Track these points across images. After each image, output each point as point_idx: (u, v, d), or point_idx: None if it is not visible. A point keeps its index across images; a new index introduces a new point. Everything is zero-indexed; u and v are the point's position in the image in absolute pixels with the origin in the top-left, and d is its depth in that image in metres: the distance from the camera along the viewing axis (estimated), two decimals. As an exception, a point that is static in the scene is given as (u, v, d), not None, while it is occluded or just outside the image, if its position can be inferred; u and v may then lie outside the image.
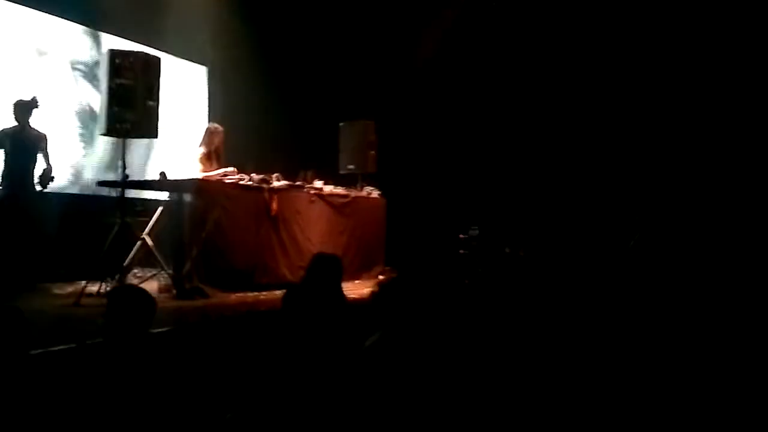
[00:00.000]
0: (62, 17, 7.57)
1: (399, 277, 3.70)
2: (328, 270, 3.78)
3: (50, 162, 6.35)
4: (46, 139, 6.38)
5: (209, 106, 9.84)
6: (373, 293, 3.08)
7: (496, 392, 2.82)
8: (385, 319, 2.88)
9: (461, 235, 8.69)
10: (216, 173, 6.67)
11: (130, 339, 2.77)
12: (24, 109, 6.25)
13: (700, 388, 2.85)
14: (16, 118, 6.24)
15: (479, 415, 2.65)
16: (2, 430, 2.32)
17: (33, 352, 3.00)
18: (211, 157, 6.92)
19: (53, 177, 6.31)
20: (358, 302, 4.66)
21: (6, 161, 6.18)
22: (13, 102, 6.27)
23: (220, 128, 7.14)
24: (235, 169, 6.72)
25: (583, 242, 8.27)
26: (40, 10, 7.32)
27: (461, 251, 8.62)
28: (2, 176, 6.16)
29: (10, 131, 6.23)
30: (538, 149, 9.36)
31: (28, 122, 6.29)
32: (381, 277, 7.98)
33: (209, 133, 7.07)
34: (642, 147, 8.61)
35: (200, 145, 7.01)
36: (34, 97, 6.31)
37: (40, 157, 6.32)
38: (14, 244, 6.05)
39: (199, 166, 6.84)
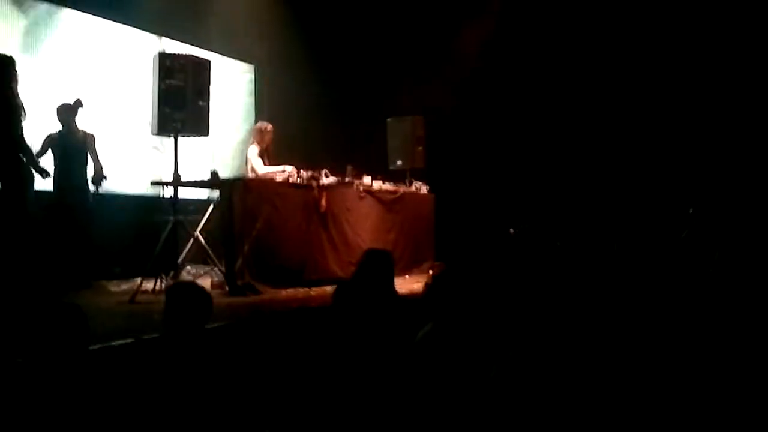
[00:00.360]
0: (113, 20, 7.71)
1: (451, 269, 3.66)
2: (380, 266, 3.77)
3: (100, 161, 6.43)
4: (94, 139, 6.45)
5: (257, 104, 9.93)
6: (427, 285, 3.06)
7: (547, 384, 2.78)
8: (439, 310, 2.87)
9: (511, 230, 8.61)
10: (274, 170, 6.75)
11: (187, 334, 2.80)
12: (68, 111, 6.31)
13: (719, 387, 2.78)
14: (61, 121, 6.30)
15: (529, 406, 2.61)
16: (63, 425, 2.37)
17: (92, 347, 3.05)
18: (262, 155, 7.00)
19: (106, 176, 6.41)
20: (409, 298, 4.63)
21: (56, 165, 6.24)
22: (57, 106, 6.33)
23: (270, 126, 7.21)
24: (294, 168, 6.80)
25: (629, 234, 8.14)
26: (89, 13, 7.48)
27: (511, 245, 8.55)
28: (54, 180, 6.20)
29: (56, 135, 6.31)
30: (585, 143, 9.22)
31: (75, 124, 6.36)
32: (431, 272, 7.95)
33: (259, 132, 7.15)
34: (689, 140, 8.46)
35: (252, 144, 7.10)
36: (78, 99, 6.38)
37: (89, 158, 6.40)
38: (69, 244, 6.18)
39: (252, 165, 6.92)
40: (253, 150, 7.02)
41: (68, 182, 6.33)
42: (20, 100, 5.44)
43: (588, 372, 2.85)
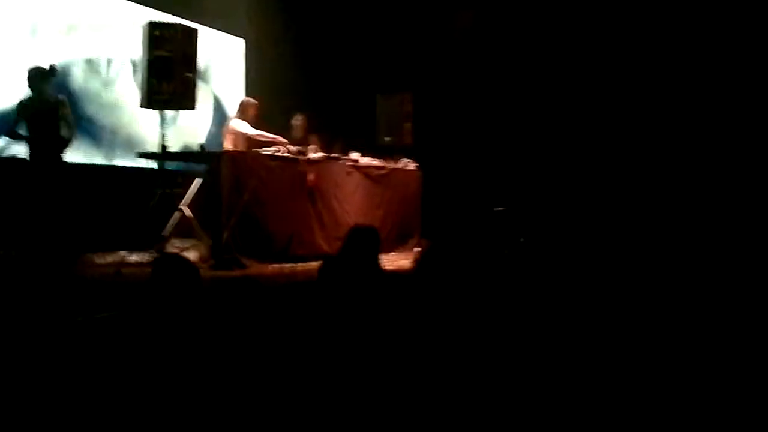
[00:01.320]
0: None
1: (438, 246, 3.68)
2: (366, 242, 3.78)
3: (70, 129, 6.14)
4: (66, 104, 6.18)
5: (246, 78, 9.86)
6: (415, 261, 3.07)
7: (534, 363, 2.81)
8: (429, 286, 2.88)
9: (497, 208, 8.62)
10: (266, 134, 6.78)
11: (175, 307, 2.81)
12: (39, 77, 5.99)
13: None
14: (31, 87, 5.98)
15: (518, 384, 2.64)
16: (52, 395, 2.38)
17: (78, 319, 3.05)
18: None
19: (69, 142, 6.13)
20: (396, 274, 4.66)
21: (29, 132, 6.00)
22: (28, 69, 6.01)
23: (253, 101, 7.17)
24: (287, 142, 6.81)
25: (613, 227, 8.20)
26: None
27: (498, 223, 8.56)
28: (28, 148, 6.00)
29: (27, 101, 6.01)
30: (575, 121, 9.22)
31: (47, 90, 6.04)
32: (417, 249, 7.98)
33: (243, 106, 7.11)
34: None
35: (234, 117, 7.07)
36: (52, 66, 6.12)
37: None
38: (48, 215, 6.07)
39: (242, 132, 6.86)
40: (237, 122, 6.98)
41: (39, 150, 6.03)
42: None
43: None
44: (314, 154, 6.91)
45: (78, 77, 7.31)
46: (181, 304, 2.84)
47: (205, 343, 2.80)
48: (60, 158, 6.12)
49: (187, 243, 6.36)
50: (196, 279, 2.93)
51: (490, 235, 8.13)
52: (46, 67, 6.13)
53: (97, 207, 6.60)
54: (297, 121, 7.50)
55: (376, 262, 3.78)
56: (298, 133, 7.35)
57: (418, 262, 3.05)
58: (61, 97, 6.23)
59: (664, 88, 8.57)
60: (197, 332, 2.82)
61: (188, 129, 7.98)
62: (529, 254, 7.07)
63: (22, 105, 6.03)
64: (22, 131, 5.92)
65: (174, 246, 6.29)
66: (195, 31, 6.25)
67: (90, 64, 7.36)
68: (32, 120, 6.02)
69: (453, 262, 2.92)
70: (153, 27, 5.89)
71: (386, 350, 2.72)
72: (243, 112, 7.02)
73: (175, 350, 2.66)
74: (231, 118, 7.24)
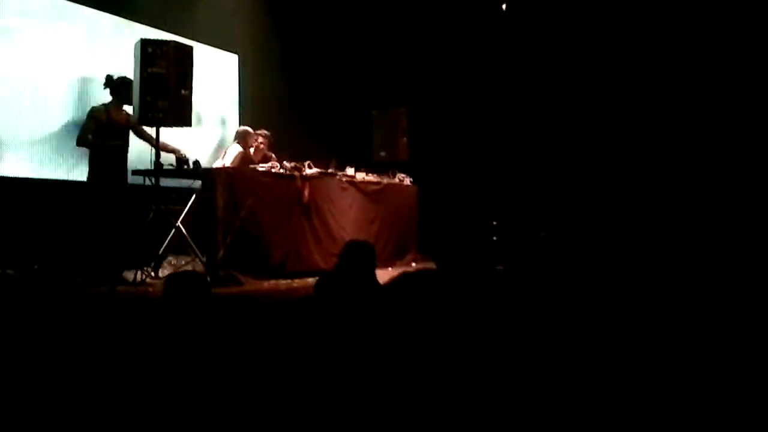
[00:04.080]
0: (94, 8, 7.61)
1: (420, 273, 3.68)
2: (362, 257, 3.76)
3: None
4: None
5: (240, 94, 9.87)
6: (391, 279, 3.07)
7: (524, 380, 2.79)
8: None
9: (494, 222, 8.62)
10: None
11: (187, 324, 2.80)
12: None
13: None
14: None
15: (510, 403, 2.62)
16: None
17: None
18: (243, 159, 7.04)
19: None
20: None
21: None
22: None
23: (251, 132, 7.42)
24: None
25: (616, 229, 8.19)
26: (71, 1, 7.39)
27: (494, 237, 8.56)
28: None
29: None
30: (571, 135, 9.23)
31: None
32: (414, 264, 7.97)
33: (241, 135, 7.27)
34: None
35: (234, 143, 7.20)
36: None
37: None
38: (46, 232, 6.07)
39: (224, 161, 6.98)
40: (234, 149, 7.08)
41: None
42: None
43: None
44: (309, 170, 6.91)
45: (73, 92, 7.31)
46: (194, 318, 2.84)
47: (214, 357, 2.78)
48: None
49: (182, 260, 6.34)
50: (208, 293, 2.93)
51: (487, 250, 8.13)
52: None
53: (91, 224, 6.57)
54: (247, 131, 7.44)
55: (372, 277, 3.76)
56: (258, 154, 7.36)
57: (394, 279, 3.04)
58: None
59: (664, 104, 8.60)
60: (208, 346, 2.81)
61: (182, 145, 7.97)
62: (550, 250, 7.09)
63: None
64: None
65: (170, 263, 6.28)
66: (189, 48, 6.25)
67: (84, 80, 7.35)
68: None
69: (439, 280, 2.91)
70: (146, 44, 5.87)
71: (384, 364, 2.70)
72: (242, 140, 7.15)
73: (183, 362, 2.64)
74: (229, 145, 7.37)
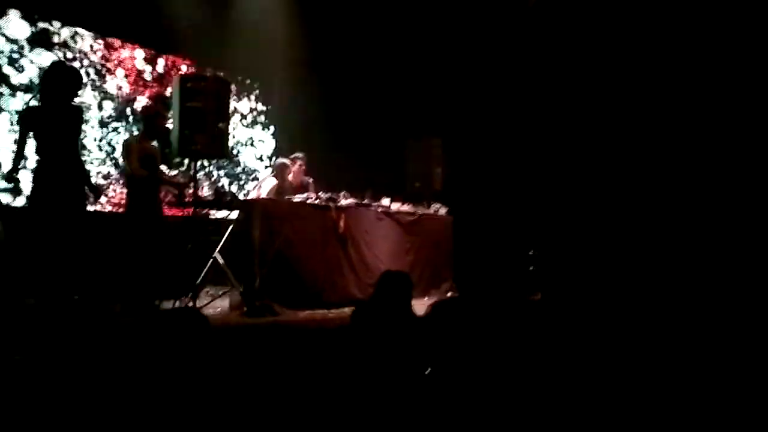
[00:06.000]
0: (128, 41, 7.82)
1: (454, 299, 3.68)
2: (398, 287, 3.76)
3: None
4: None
5: (276, 124, 10.00)
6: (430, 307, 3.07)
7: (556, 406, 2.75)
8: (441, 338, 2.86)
9: (530, 251, 8.55)
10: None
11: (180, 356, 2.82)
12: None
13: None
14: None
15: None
16: None
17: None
18: (279, 191, 7.11)
19: None
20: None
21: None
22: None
23: (287, 162, 7.43)
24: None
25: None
26: (106, 36, 7.60)
27: (531, 267, 8.49)
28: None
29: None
30: (608, 165, 9.15)
31: None
32: (449, 294, 7.93)
33: (278, 168, 7.34)
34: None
35: (271, 175, 7.28)
36: None
37: None
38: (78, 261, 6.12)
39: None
40: (269, 181, 7.16)
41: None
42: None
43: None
44: (344, 201, 6.95)
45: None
46: (188, 354, 2.85)
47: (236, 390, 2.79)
48: None
49: (219, 290, 6.40)
50: (206, 329, 2.95)
51: (523, 281, 8.07)
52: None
53: (131, 254, 6.66)
54: (282, 163, 7.49)
55: (408, 307, 3.76)
56: (296, 179, 7.39)
57: (428, 315, 3.03)
58: None
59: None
60: (207, 380, 2.82)
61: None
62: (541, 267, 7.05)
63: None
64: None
65: (207, 294, 6.34)
66: (227, 82, 6.38)
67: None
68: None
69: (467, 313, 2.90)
70: (184, 80, 6.00)
71: (423, 394, 2.68)
72: (278, 173, 7.26)
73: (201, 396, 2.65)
74: (266, 177, 7.46)
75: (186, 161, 7.63)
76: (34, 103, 5.35)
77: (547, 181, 9.41)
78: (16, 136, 5.08)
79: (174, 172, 7.57)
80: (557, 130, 9.43)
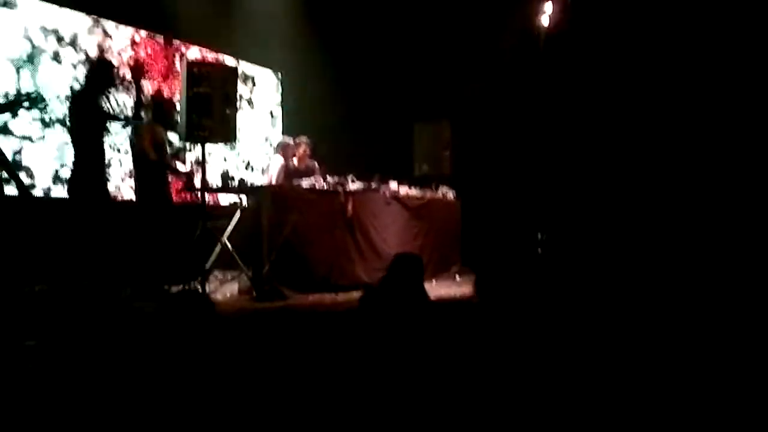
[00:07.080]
0: (137, 26, 7.80)
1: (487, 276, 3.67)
2: (410, 269, 3.76)
3: None
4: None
5: (282, 110, 9.98)
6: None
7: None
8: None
9: (539, 234, 8.55)
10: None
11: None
12: None
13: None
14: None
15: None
16: None
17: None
18: (285, 170, 7.10)
19: None
20: (440, 303, 4.62)
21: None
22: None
23: (291, 141, 7.41)
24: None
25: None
26: (116, 21, 7.58)
27: (539, 250, 8.49)
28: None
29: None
30: (617, 146, 9.11)
31: None
32: (458, 277, 7.94)
33: (281, 147, 7.31)
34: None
35: (275, 154, 7.24)
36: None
37: None
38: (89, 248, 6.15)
39: (271, 176, 7.05)
40: (276, 160, 7.15)
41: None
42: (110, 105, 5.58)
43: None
44: (353, 185, 6.94)
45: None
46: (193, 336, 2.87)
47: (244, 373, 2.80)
48: None
49: (228, 275, 6.42)
50: (212, 313, 2.96)
51: (530, 264, 8.06)
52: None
53: (139, 240, 6.68)
54: (286, 143, 7.45)
55: (421, 290, 3.76)
56: (288, 155, 7.33)
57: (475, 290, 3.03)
58: None
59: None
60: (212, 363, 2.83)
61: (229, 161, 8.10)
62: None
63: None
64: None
65: (216, 278, 6.36)
66: (234, 69, 6.39)
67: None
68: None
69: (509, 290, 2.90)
70: (191, 66, 5.99)
71: (437, 377, 2.69)
72: (282, 152, 7.20)
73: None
74: (272, 158, 7.43)
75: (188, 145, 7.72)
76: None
77: (556, 165, 9.38)
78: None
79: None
80: (566, 114, 9.39)
